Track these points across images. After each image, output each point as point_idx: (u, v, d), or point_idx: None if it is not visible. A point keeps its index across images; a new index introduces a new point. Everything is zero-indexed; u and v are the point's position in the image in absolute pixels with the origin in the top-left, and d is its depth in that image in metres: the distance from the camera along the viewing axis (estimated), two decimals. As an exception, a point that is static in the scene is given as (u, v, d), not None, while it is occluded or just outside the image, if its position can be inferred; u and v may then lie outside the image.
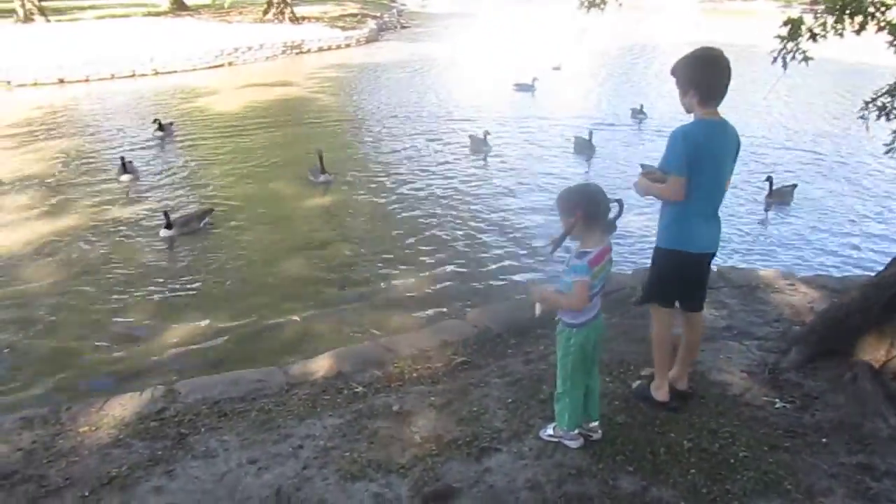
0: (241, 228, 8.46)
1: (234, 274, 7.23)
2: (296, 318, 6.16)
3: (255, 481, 3.26)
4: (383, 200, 9.41)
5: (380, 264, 7.38)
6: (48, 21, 28.46)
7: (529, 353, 4.55)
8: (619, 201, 3.17)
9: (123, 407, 4.07)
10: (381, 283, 6.93)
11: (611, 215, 3.15)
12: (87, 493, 3.20)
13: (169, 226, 7.95)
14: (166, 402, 4.10)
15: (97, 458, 3.49)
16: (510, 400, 3.88)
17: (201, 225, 8.19)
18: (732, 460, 3.30)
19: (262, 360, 5.19)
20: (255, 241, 8.11)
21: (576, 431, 3.39)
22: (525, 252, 7.74)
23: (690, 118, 3.43)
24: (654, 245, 3.64)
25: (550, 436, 3.45)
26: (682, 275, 3.55)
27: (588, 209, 3.09)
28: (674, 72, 3.42)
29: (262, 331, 6.07)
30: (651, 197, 3.62)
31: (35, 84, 18.06)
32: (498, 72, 20.00)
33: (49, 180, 10.24)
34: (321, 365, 4.53)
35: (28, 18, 28.59)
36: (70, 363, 5.69)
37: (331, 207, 9.25)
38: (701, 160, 3.29)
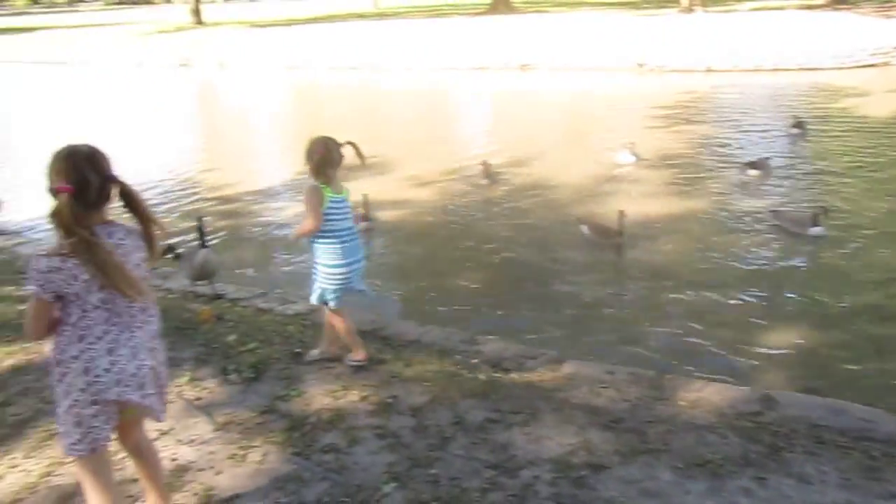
0: (861, 245, 7.71)
1: (859, 291, 6.65)
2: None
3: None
4: None
5: None
6: (706, 11, 30.23)
7: None
8: None
9: (720, 396, 4.19)
10: None
11: None
12: (680, 466, 3.41)
13: (815, 224, 7.74)
14: (762, 406, 4.06)
15: (693, 437, 3.68)
16: None
17: (809, 230, 7.75)
18: None
19: (860, 394, 4.70)
20: (873, 262, 7.32)
21: None
22: None
23: None
24: None
25: None
26: None
27: None
28: None
29: (863, 362, 5.48)
30: None
31: (684, 71, 19.50)
32: None
33: (683, 161, 11.03)
34: (946, 429, 3.88)
35: (689, 9, 30.87)
36: (663, 338, 6.07)
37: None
38: None
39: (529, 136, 13.79)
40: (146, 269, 2.61)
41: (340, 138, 4.12)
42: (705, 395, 4.24)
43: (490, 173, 10.47)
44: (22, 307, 5.39)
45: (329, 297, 4.24)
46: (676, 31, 24.24)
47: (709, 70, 19.32)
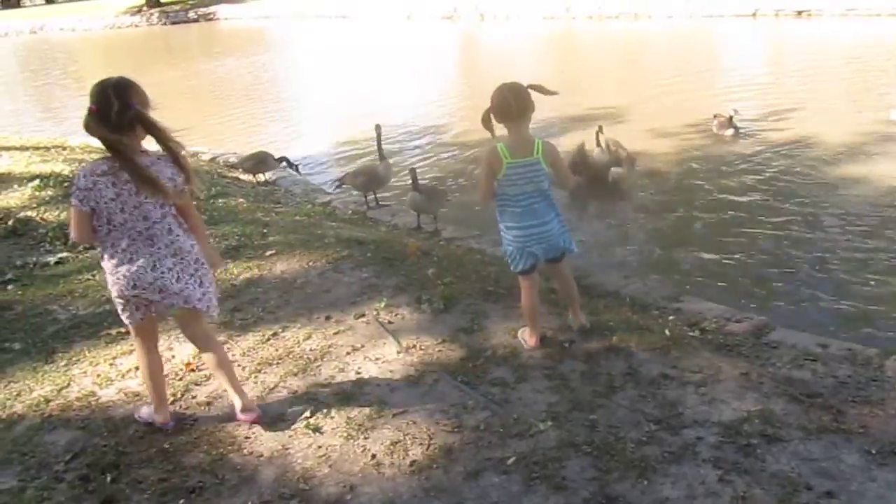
0: None
1: None
2: None
3: None
4: None
5: None
6: None
7: None
8: None
9: (953, 387, 3.60)
10: None
11: None
12: (872, 451, 3.01)
13: None
14: None
15: (901, 423, 3.22)
16: None
17: None
18: None
19: None
20: None
21: None
22: None
23: None
24: None
25: None
26: None
27: None
28: None
29: None
30: None
31: None
32: None
33: None
34: None
35: None
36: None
37: None
38: None
39: (796, 88, 12.45)
40: (181, 185, 3.09)
41: (553, 85, 3.61)
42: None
43: (733, 125, 9.70)
44: (264, 231, 6.14)
45: (509, 260, 3.95)
46: None
47: None
